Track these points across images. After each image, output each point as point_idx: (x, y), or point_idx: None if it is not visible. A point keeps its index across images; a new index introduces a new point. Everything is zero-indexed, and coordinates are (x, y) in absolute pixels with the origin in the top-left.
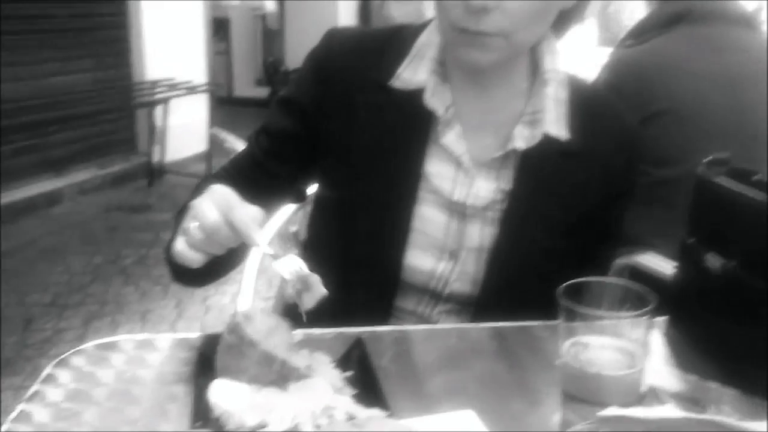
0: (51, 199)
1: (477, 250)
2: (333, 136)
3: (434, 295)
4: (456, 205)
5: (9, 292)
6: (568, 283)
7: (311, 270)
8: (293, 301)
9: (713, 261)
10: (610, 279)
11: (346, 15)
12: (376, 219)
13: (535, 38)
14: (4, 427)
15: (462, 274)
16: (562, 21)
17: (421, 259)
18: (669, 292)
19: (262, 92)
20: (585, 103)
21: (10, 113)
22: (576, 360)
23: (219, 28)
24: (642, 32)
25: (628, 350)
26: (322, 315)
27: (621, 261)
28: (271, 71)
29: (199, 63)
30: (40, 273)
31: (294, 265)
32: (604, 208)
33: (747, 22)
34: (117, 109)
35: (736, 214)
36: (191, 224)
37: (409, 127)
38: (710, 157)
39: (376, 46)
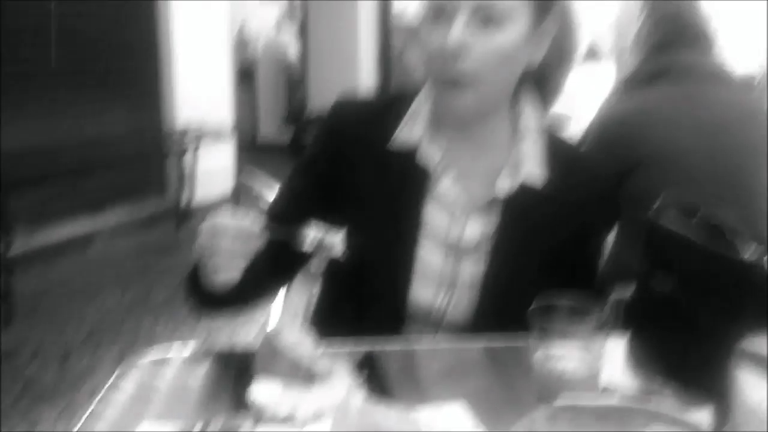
0: (85, 240)
1: (470, 285)
2: (344, 196)
3: (435, 324)
4: (451, 246)
5: (46, 330)
6: (537, 304)
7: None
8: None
9: (658, 284)
10: (570, 299)
11: (366, 62)
12: (384, 265)
13: (504, 86)
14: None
15: (458, 305)
16: (544, 84)
17: (423, 294)
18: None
19: (286, 137)
20: (560, 154)
21: (50, 158)
22: (544, 367)
23: (245, 76)
24: (625, 89)
25: (588, 359)
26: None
27: (616, 294)
28: (294, 118)
29: (226, 110)
30: (75, 311)
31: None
32: (581, 245)
33: (724, 78)
34: (148, 156)
35: (674, 249)
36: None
37: (409, 182)
38: (661, 198)
39: (379, 114)
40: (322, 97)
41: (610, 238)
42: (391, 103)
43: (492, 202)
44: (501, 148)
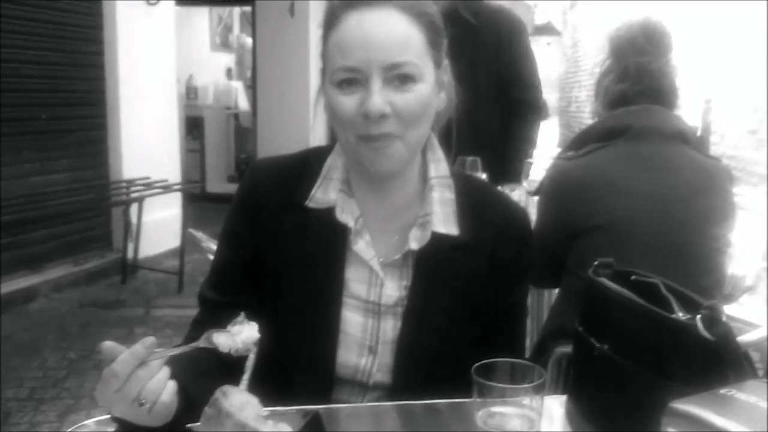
0: (27, 295)
1: (391, 343)
2: (266, 255)
3: (362, 385)
4: (371, 305)
5: None
6: (479, 363)
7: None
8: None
9: (592, 345)
10: (513, 360)
11: (319, 114)
12: (309, 325)
13: (423, 137)
14: None
15: (381, 365)
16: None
17: (347, 356)
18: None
19: (234, 188)
20: (472, 199)
21: None
22: (486, 425)
23: (193, 126)
24: (582, 143)
25: (528, 416)
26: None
27: (559, 350)
28: (243, 167)
29: (173, 161)
30: (16, 368)
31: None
32: (497, 296)
33: (683, 137)
34: (93, 208)
35: (610, 307)
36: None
37: (328, 240)
38: (597, 261)
39: (294, 172)
40: (271, 148)
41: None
42: (303, 162)
43: (405, 256)
44: (413, 200)
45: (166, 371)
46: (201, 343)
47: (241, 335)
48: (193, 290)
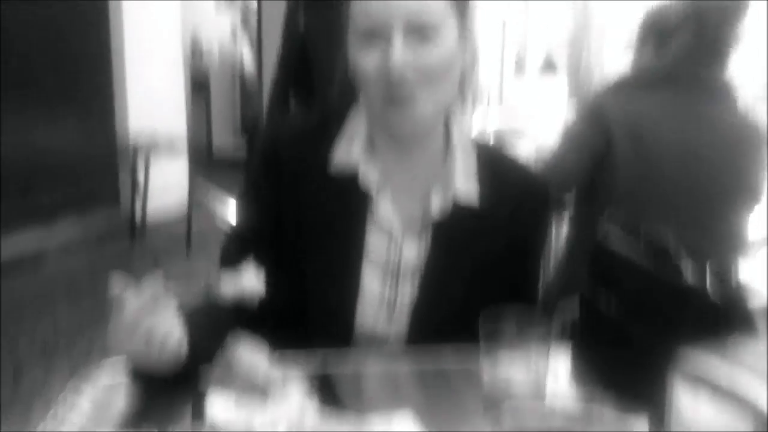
0: (35, 253)
1: (408, 305)
2: (287, 214)
3: (379, 344)
4: (390, 268)
5: None
6: (487, 312)
7: None
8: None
9: (599, 305)
10: (518, 310)
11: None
12: (328, 285)
13: (448, 98)
14: None
15: (399, 328)
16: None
17: (367, 317)
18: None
19: (240, 150)
20: (492, 166)
21: None
22: (491, 375)
23: (199, 87)
24: (625, 85)
25: (533, 367)
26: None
27: (564, 306)
28: (250, 128)
29: (180, 122)
30: (28, 327)
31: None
32: (514, 263)
33: (721, 92)
34: (101, 168)
35: (617, 267)
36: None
37: (350, 206)
38: (608, 212)
39: (315, 133)
40: None
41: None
42: (326, 122)
43: (427, 223)
44: (435, 167)
45: (174, 310)
46: (207, 289)
47: (245, 282)
48: (201, 250)
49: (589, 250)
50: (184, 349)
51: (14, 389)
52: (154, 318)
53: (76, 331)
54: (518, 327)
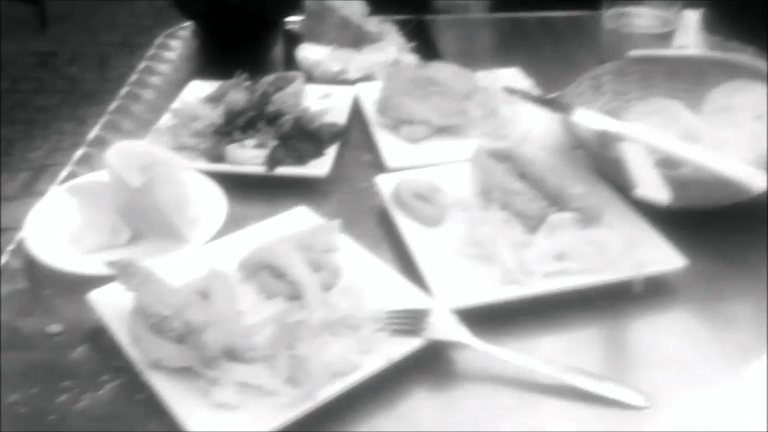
0: None
1: None
2: None
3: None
4: None
5: (82, 35)
6: None
7: None
8: None
9: None
10: None
11: None
12: None
13: None
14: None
15: None
16: None
17: None
18: None
19: None
20: None
21: None
22: (614, 24)
23: None
24: None
25: (662, 15)
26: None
27: None
28: None
29: None
30: (108, 17)
31: None
32: None
33: None
34: None
35: None
36: None
37: None
38: None
39: None
40: None
41: None
42: None
43: None
44: None
45: None
46: None
47: None
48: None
49: None
50: None
51: (100, 77)
52: None
53: (153, 21)
54: None
